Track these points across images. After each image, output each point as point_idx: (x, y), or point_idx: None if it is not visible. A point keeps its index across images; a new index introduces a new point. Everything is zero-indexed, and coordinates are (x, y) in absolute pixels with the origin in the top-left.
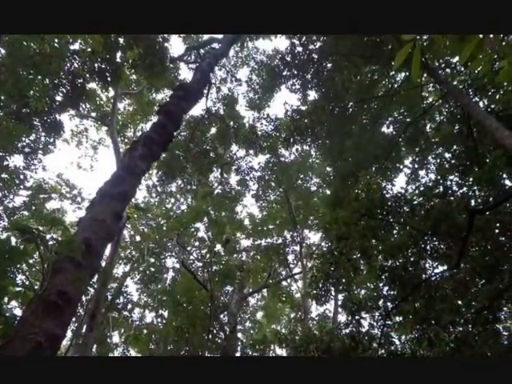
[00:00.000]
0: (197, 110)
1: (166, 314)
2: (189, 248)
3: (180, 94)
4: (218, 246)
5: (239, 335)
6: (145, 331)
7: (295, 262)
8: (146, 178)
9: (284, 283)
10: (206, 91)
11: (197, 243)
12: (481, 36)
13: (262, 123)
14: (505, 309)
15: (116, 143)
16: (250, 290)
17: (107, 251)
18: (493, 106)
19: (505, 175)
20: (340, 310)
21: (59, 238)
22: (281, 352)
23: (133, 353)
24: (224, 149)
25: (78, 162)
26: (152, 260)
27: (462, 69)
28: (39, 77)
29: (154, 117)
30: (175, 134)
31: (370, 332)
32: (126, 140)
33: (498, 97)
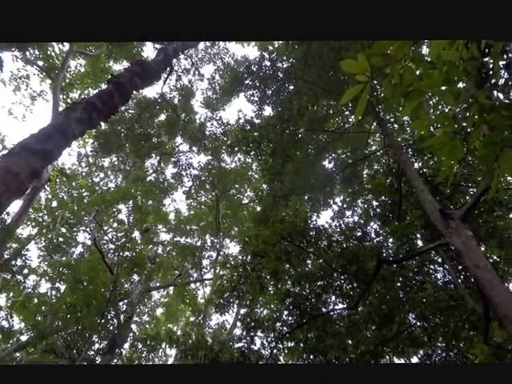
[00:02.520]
0: (151, 92)
1: (62, 288)
2: (105, 227)
3: (137, 69)
4: (136, 233)
5: (133, 326)
6: (35, 300)
7: (209, 267)
8: (80, 146)
9: (192, 286)
10: (165, 75)
11: (115, 225)
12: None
13: (212, 124)
14: (387, 357)
15: (57, 100)
16: (157, 285)
17: (16, 208)
18: (425, 170)
19: (419, 235)
20: (238, 323)
21: None
22: (170, 352)
23: (16, 319)
24: (168, 138)
25: (10, 108)
26: (63, 230)
27: (408, 129)
28: None
29: (105, 85)
30: (122, 108)
31: (260, 351)
32: (69, 100)
33: (431, 163)
